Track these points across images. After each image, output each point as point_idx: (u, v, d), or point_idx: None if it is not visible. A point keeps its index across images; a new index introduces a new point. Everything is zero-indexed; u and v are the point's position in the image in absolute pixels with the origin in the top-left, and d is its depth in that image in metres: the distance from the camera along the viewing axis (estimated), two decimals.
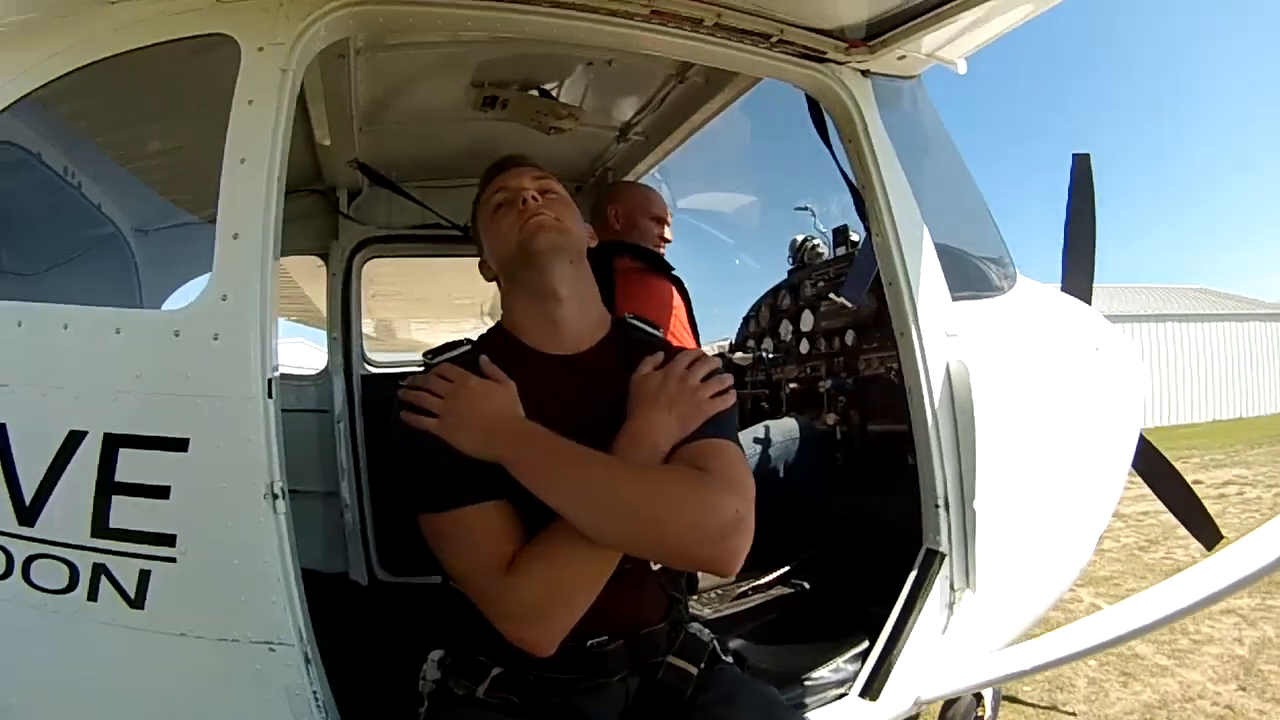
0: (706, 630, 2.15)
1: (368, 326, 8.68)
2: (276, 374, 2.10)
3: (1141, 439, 4.17)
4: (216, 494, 2.04)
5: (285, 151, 2.19)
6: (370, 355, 5.10)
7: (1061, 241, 4.53)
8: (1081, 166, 4.52)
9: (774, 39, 2.86)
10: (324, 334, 4.98)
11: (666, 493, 1.78)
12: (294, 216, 4.38)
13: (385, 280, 6.12)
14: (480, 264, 2.25)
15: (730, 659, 2.18)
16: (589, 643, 1.89)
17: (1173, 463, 4.51)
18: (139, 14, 2.27)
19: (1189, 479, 4.64)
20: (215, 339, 2.04)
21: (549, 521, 1.76)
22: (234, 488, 2.04)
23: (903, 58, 3.08)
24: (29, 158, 2.61)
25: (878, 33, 2.94)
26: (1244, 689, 5.12)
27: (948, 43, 3.14)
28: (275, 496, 2.04)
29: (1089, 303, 4.28)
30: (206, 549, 2.04)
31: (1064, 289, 4.33)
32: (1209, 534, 4.47)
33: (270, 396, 2.06)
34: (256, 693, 2.10)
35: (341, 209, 4.75)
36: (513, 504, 1.80)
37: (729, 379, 2.06)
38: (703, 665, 2.04)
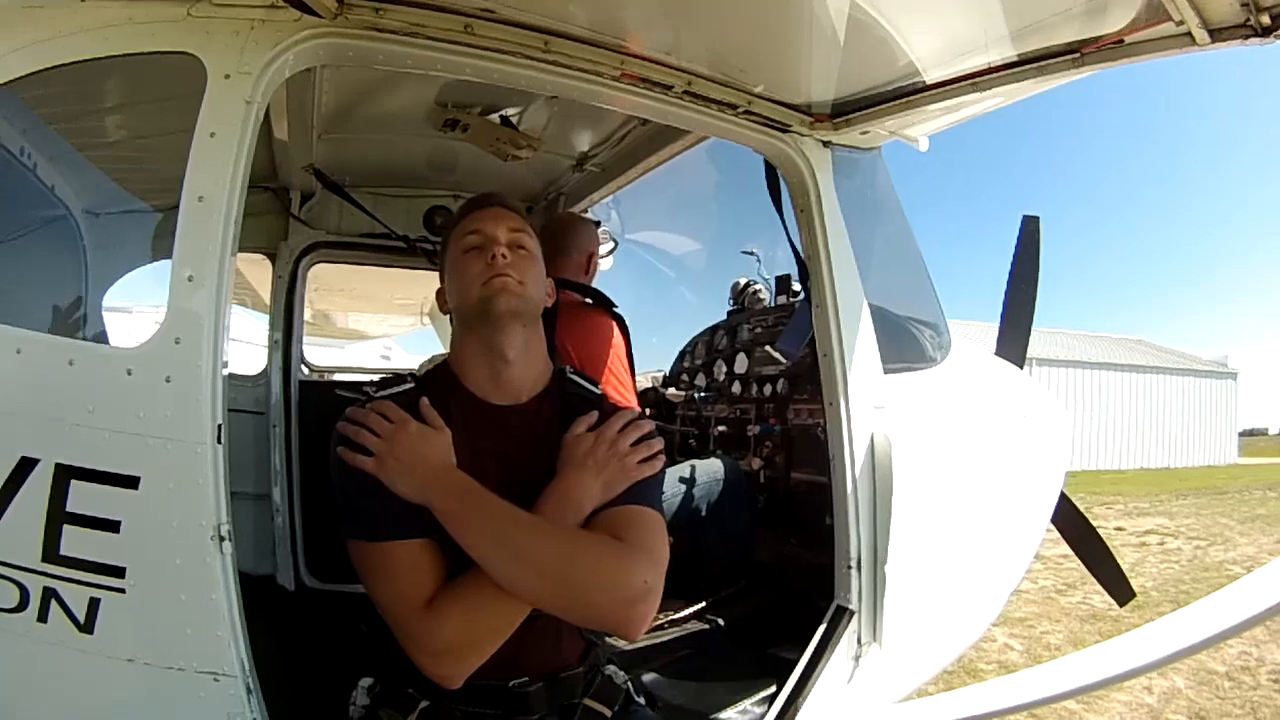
0: (621, 673, 2.25)
1: (306, 313, 8.59)
2: (225, 418, 2.11)
3: (1063, 498, 4.36)
4: (165, 532, 2.05)
5: (244, 188, 2.19)
6: (309, 358, 5.10)
7: (1003, 300, 4.70)
8: (1030, 229, 4.67)
9: (740, 109, 2.95)
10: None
11: (582, 558, 1.86)
12: (246, 211, 4.37)
13: (329, 278, 6.10)
14: (438, 293, 2.28)
15: (643, 699, 2.27)
16: (511, 683, 1.98)
17: (1094, 511, 4.69)
18: (109, 17, 2.24)
19: (1112, 525, 4.83)
20: (167, 381, 2.04)
21: (470, 564, 1.84)
22: (182, 527, 2.05)
23: (865, 133, 3.19)
24: None
25: (845, 111, 3.05)
26: None
27: (915, 123, 3.25)
28: (222, 539, 2.06)
29: (1021, 365, 4.46)
30: (155, 583, 2.05)
31: (998, 351, 4.50)
32: (1123, 592, 4.72)
33: (220, 442, 2.07)
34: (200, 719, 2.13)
35: (293, 211, 4.71)
36: (438, 544, 1.87)
37: (659, 444, 2.15)
38: (617, 708, 2.13)
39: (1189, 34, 2.14)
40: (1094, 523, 4.89)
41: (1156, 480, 24.39)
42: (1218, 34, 2.11)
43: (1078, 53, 2.41)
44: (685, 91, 2.85)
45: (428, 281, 6.21)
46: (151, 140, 3.39)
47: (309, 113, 3.63)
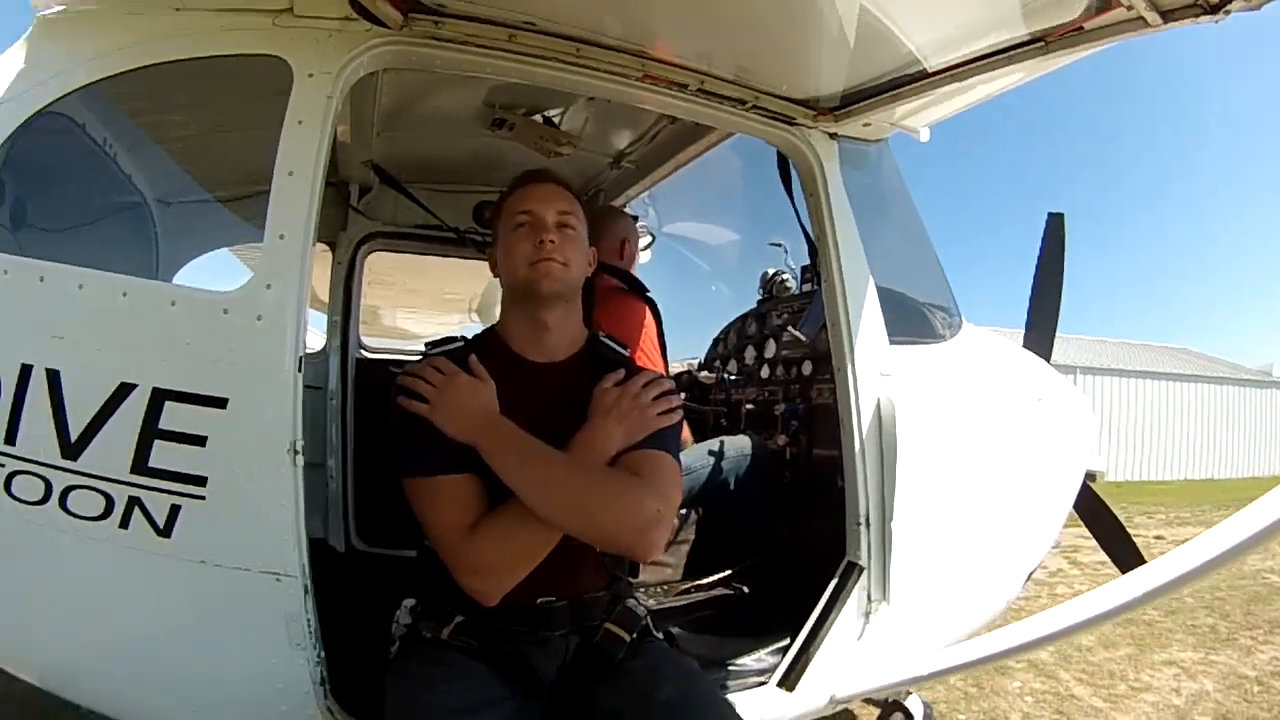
0: (642, 607, 2.52)
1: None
2: (305, 353, 2.49)
3: (1085, 485, 4.45)
4: (247, 446, 2.42)
5: (326, 166, 2.57)
6: (366, 340, 5.44)
7: (1029, 296, 4.84)
8: (1054, 226, 4.82)
9: (748, 104, 3.24)
10: (320, 314, 5.34)
11: (602, 489, 2.17)
12: None
13: (382, 271, 6.39)
14: (490, 255, 2.56)
15: (661, 636, 2.55)
16: (538, 600, 2.29)
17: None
18: (200, 24, 2.63)
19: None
20: (259, 319, 2.43)
21: (507, 497, 2.15)
22: (262, 442, 2.42)
23: (868, 125, 3.45)
24: (75, 128, 2.91)
25: (847, 103, 3.30)
26: None
27: (914, 113, 3.50)
28: (296, 453, 2.44)
29: (1048, 358, 4.58)
30: (233, 490, 2.41)
31: (1025, 343, 4.65)
32: (1129, 560, 4.62)
33: (299, 371, 2.45)
34: (260, 616, 2.48)
35: (352, 202, 5.11)
36: (480, 479, 2.18)
37: (676, 400, 2.44)
38: (635, 635, 2.40)
39: (1141, 17, 2.30)
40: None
41: (1199, 491, 23.26)
42: (1169, 14, 2.26)
43: (1042, 41, 2.63)
44: (699, 90, 3.15)
45: (477, 276, 6.57)
46: (218, 136, 3.78)
47: (369, 112, 3.98)
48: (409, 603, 2.46)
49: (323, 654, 2.55)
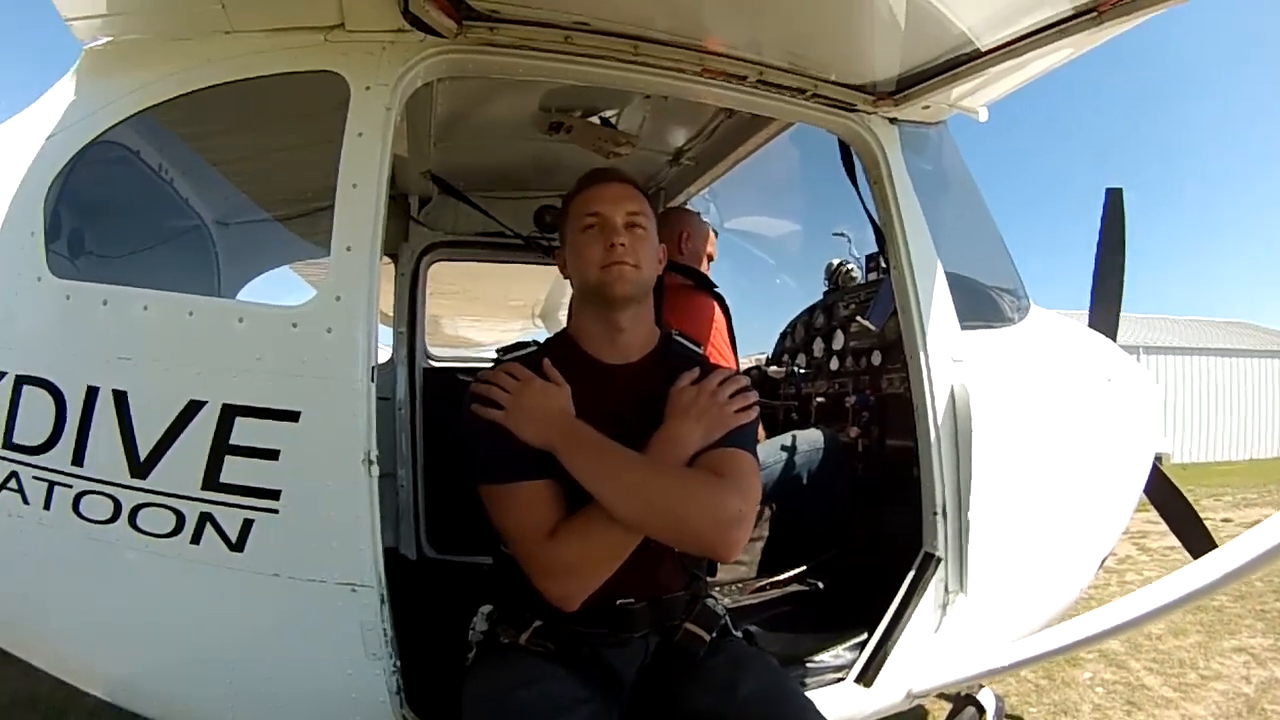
0: (721, 606, 2.51)
1: None
2: (377, 363, 2.51)
3: (1155, 468, 4.37)
4: (320, 458, 2.45)
5: (388, 176, 2.59)
6: (431, 350, 5.48)
7: (1092, 274, 4.77)
8: (1114, 201, 4.75)
9: (808, 93, 3.20)
10: (385, 327, 5.35)
11: (683, 490, 2.15)
12: None
13: (445, 279, 6.44)
14: (559, 256, 2.55)
15: (740, 635, 2.54)
16: (617, 602, 2.28)
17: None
18: (251, 45, 2.67)
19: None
20: (329, 331, 2.45)
21: (586, 502, 2.14)
22: (336, 454, 2.45)
23: (928, 108, 3.39)
24: (130, 155, 3.01)
25: (905, 87, 3.25)
26: None
27: (971, 93, 3.43)
28: (370, 463, 2.45)
29: (1114, 337, 4.50)
30: (306, 503, 2.44)
31: (1090, 323, 4.57)
32: (1202, 544, 4.50)
33: (372, 381, 2.48)
34: (336, 627, 2.50)
35: (412, 214, 5.17)
36: (558, 483, 2.18)
37: (753, 396, 2.42)
38: (715, 634, 2.39)
39: None
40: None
41: (1267, 470, 22.46)
42: None
43: (1094, 11, 2.57)
44: (759, 81, 3.11)
45: (540, 281, 6.61)
46: (275, 155, 3.83)
47: (426, 123, 4.03)
48: (485, 609, 2.47)
49: (398, 663, 2.56)
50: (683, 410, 2.30)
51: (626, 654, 2.32)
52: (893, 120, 3.37)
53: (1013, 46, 2.86)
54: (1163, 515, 4.74)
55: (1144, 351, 25.87)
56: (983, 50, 2.94)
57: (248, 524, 2.43)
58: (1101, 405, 3.94)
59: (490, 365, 2.38)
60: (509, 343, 2.55)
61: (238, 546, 2.44)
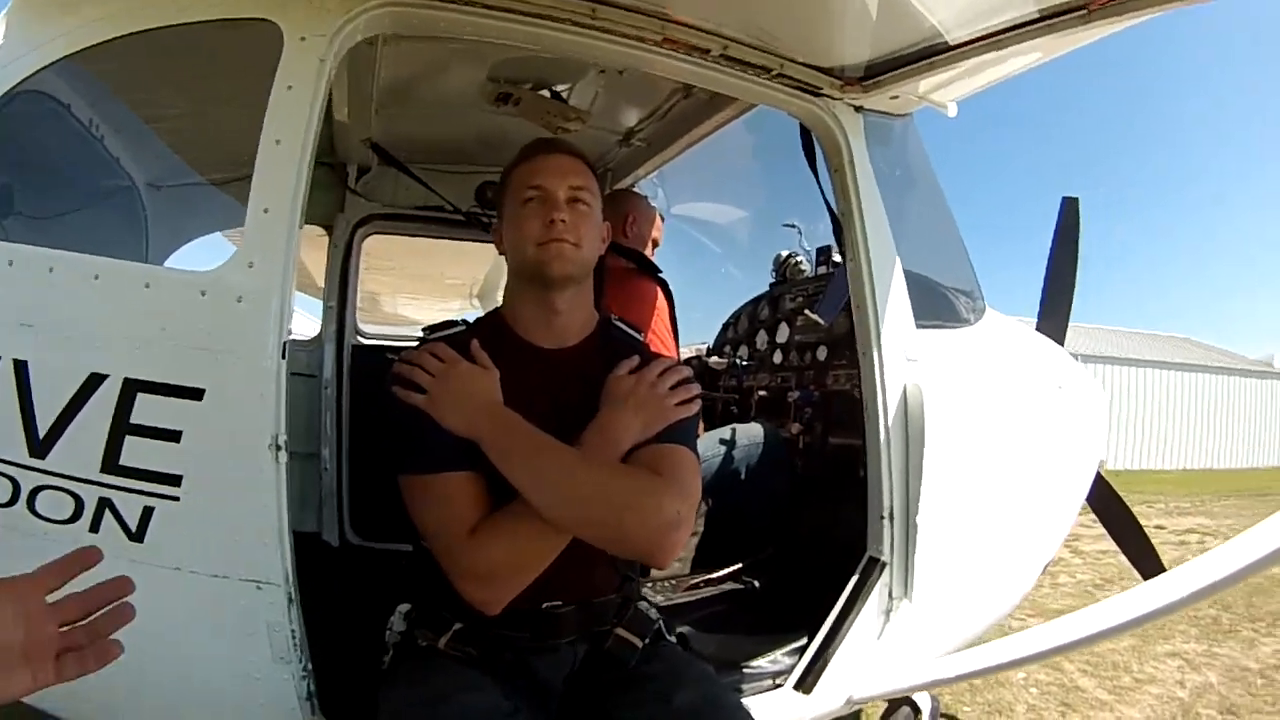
0: (654, 610, 2.37)
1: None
2: (290, 338, 2.30)
3: (1099, 477, 4.38)
4: (225, 442, 2.23)
5: (317, 136, 2.36)
6: (361, 326, 5.26)
7: (1042, 281, 4.74)
8: (1070, 210, 4.74)
9: (774, 72, 3.04)
10: (315, 300, 5.21)
11: (618, 488, 1.99)
12: None
13: (382, 255, 6.27)
14: (496, 231, 2.38)
15: (674, 639, 2.40)
16: (544, 605, 2.12)
17: (1130, 505, 4.66)
18: None
19: (1153, 524, 4.76)
20: (239, 301, 2.23)
21: (513, 496, 1.98)
22: (242, 437, 2.23)
23: (895, 98, 3.26)
24: (58, 108, 2.75)
25: (874, 74, 3.12)
26: None
27: (941, 87, 3.32)
28: (278, 449, 2.24)
29: (1061, 343, 4.48)
30: (209, 491, 2.23)
31: (1038, 328, 4.53)
32: (1152, 569, 4.60)
33: (284, 358, 2.25)
34: (241, 627, 2.29)
35: (350, 184, 4.91)
36: (483, 477, 2.01)
37: (695, 389, 2.28)
38: (647, 640, 2.25)
39: None
40: None
41: (1199, 481, 23.76)
42: None
43: (1084, 9, 2.44)
44: (722, 55, 2.94)
45: (480, 259, 6.43)
46: (212, 114, 3.58)
47: (368, 89, 3.78)
48: (403, 608, 2.30)
49: (310, 666, 2.37)
50: (620, 400, 2.15)
51: (554, 661, 2.18)
52: (858, 108, 3.25)
53: (995, 38, 2.73)
54: (1103, 522, 4.76)
55: (1083, 359, 26.63)
56: (963, 40, 2.81)
57: (148, 512, 2.21)
58: (1051, 411, 3.92)
59: (415, 345, 2.21)
60: (435, 321, 2.38)
61: (137, 536, 2.21)
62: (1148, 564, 4.62)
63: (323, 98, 2.38)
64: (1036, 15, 2.56)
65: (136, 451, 2.19)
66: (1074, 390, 4.17)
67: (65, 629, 1.35)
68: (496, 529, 1.97)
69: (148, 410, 2.18)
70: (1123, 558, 4.96)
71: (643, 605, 2.35)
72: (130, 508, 2.20)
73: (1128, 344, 32.76)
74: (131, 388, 2.18)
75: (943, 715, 4.86)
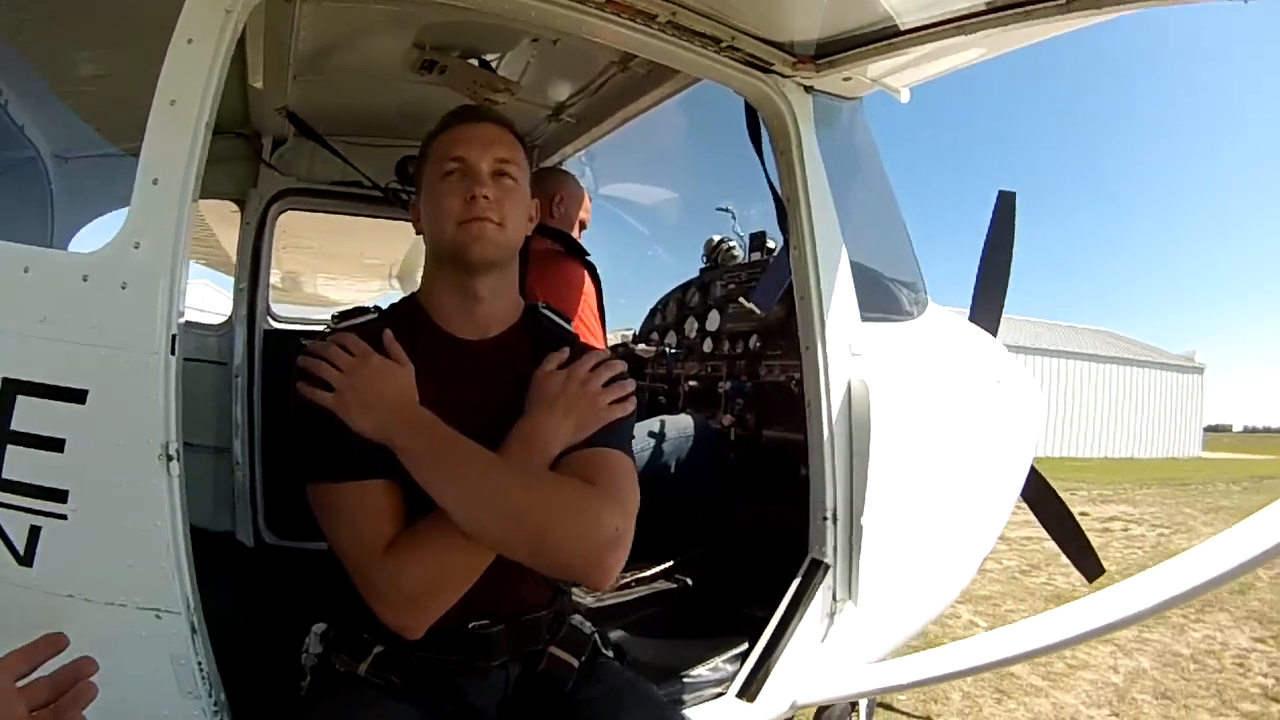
0: (589, 624, 2.18)
1: (275, 277, 8.44)
2: (180, 329, 2.01)
3: (1033, 470, 4.39)
4: (111, 451, 1.95)
5: (218, 96, 2.09)
6: (275, 309, 4.99)
7: (975, 273, 4.75)
8: (1005, 203, 4.73)
9: (724, 44, 2.87)
10: (231, 280, 4.83)
11: (549, 502, 1.79)
12: (214, 158, 4.22)
13: (299, 233, 5.98)
14: (414, 207, 2.16)
15: (611, 653, 2.21)
16: (470, 625, 1.91)
17: (1061, 497, 4.73)
18: None
19: (1076, 510, 4.87)
20: (124, 287, 1.94)
21: (433, 507, 1.77)
22: (129, 446, 1.95)
23: (848, 79, 3.14)
24: None
25: (827, 53, 2.98)
26: (1116, 715, 5.37)
27: (895, 71, 3.20)
28: (170, 458, 1.96)
29: (995, 335, 4.47)
30: (98, 508, 1.94)
31: (972, 320, 4.51)
32: (1091, 567, 4.73)
33: (173, 353, 1.97)
34: (142, 660, 2.02)
35: (264, 156, 4.59)
36: (400, 485, 1.80)
37: (630, 385, 2.08)
38: (584, 658, 2.07)
39: None
40: None
41: (1119, 469, 24.86)
42: None
43: None
44: (669, 23, 2.75)
45: (397, 238, 6.17)
46: (123, 81, 3.28)
47: (285, 53, 3.51)
48: (319, 628, 2.06)
49: (222, 697, 2.10)
50: (549, 399, 1.95)
51: (485, 686, 1.96)
52: (809, 89, 3.11)
53: (970, 20, 2.58)
54: (1038, 516, 4.79)
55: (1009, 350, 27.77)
56: (934, 21, 2.66)
57: (35, 532, 1.91)
58: (990, 406, 3.90)
59: (321, 334, 1.97)
60: (346, 307, 2.13)
61: (25, 560, 1.92)
62: (1083, 559, 4.73)
63: (226, 53, 2.10)
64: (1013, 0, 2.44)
65: (19, 463, 1.90)
66: (1011, 385, 4.16)
67: (35, 711, 1.34)
68: (415, 546, 1.77)
69: (29, 415, 1.89)
70: (1049, 543, 5.11)
71: (576, 619, 2.16)
72: (16, 527, 1.91)
73: (1051, 335, 34.11)
74: (10, 389, 1.89)
75: (879, 704, 4.92)
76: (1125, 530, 12.95)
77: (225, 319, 4.68)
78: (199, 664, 2.04)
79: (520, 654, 2.01)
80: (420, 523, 1.79)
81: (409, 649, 1.86)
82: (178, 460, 1.97)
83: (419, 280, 2.19)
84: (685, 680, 2.94)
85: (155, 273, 1.96)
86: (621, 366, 2.10)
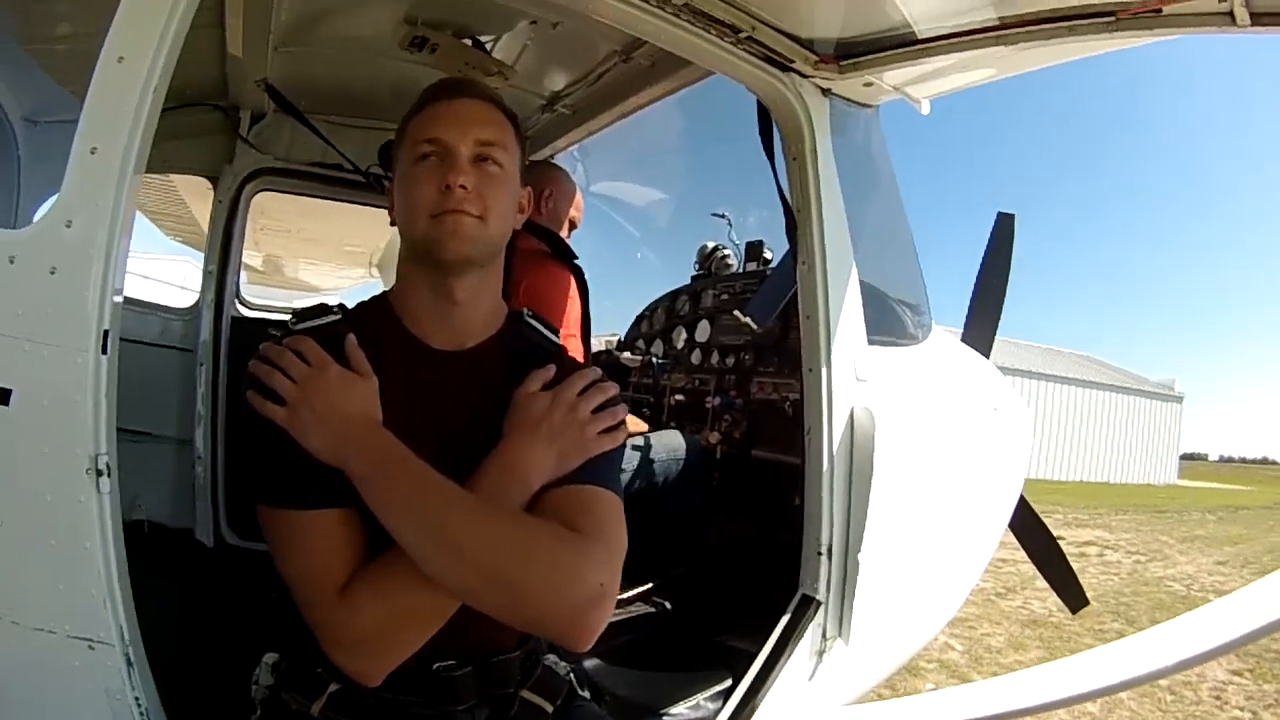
0: (563, 664, 1.97)
1: (255, 260, 8.20)
2: (116, 323, 1.76)
3: (1021, 499, 4.29)
4: (36, 461, 1.70)
5: (173, 56, 1.83)
6: (246, 295, 4.80)
7: (970, 293, 4.68)
8: (1004, 226, 4.66)
9: (743, 34, 2.67)
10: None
11: (525, 549, 1.54)
12: (188, 131, 3.96)
13: (277, 215, 5.81)
14: (388, 195, 1.89)
15: (587, 693, 2.02)
16: (435, 666, 1.68)
17: (1048, 527, 4.66)
18: None
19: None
20: (52, 272, 1.69)
21: (392, 543, 1.55)
22: (54, 456, 1.70)
23: (869, 85, 2.98)
24: None
25: (850, 53, 2.81)
26: None
27: (917, 81, 3.04)
28: (99, 473, 1.71)
29: (987, 356, 4.40)
30: (23, 525, 1.71)
31: (965, 339, 4.42)
32: (1075, 598, 4.69)
33: (104, 352, 1.72)
34: (74, 693, 1.80)
35: (241, 132, 4.35)
36: (358, 514, 1.57)
37: (623, 412, 1.84)
38: (559, 703, 1.87)
39: (1230, 13, 1.96)
40: None
41: (1095, 494, 25.24)
42: (1260, 18, 1.94)
43: (1114, 16, 2.19)
44: (686, 5, 2.53)
45: (379, 225, 5.95)
46: (101, 40, 3.10)
47: (266, 20, 3.29)
48: (270, 658, 1.82)
49: None
50: (531, 426, 1.70)
51: None
52: (826, 91, 2.94)
53: (1014, 31, 2.41)
54: (1024, 546, 4.73)
55: None
56: (978, 27, 2.49)
57: None
58: (987, 435, 3.83)
59: (276, 336, 1.73)
60: (308, 304, 1.85)
61: None
62: (1067, 589, 4.69)
63: (188, 6, 1.83)
64: (1060, 14, 2.30)
65: None
66: (1007, 412, 4.10)
67: None
68: (373, 587, 1.55)
69: None
70: (1025, 566, 5.29)
71: (550, 659, 1.95)
72: None
73: (1030, 358, 34.59)
74: None
75: None
76: (1101, 555, 12.99)
77: (192, 304, 4.46)
78: (136, 700, 1.81)
79: (490, 697, 1.78)
80: (381, 558, 1.56)
81: (367, 691, 1.63)
82: (110, 476, 1.73)
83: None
84: (665, 719, 2.83)
85: (88, 256, 1.70)
86: (614, 390, 1.86)
